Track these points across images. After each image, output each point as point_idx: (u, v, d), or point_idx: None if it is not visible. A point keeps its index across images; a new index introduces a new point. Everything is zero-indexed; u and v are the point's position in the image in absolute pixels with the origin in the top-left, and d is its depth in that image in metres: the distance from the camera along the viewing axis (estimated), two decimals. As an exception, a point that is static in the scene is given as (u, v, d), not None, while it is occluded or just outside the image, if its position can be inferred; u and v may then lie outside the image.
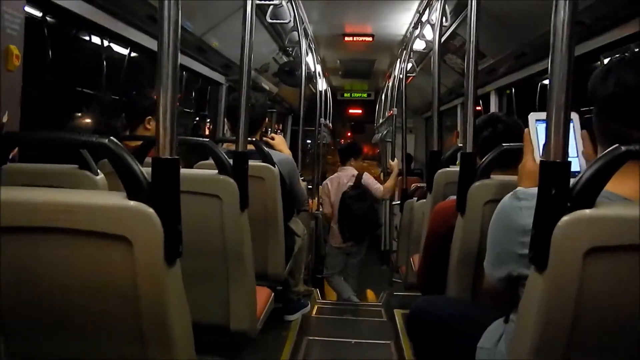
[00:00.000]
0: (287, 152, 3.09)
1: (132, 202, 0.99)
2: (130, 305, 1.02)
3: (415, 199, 3.63)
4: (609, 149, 0.93)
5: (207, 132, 4.90)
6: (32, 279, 1.05)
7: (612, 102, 1.07)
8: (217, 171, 1.78)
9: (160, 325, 1.04)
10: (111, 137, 1.01)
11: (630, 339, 0.99)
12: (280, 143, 3.09)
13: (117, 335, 1.07)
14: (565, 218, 0.92)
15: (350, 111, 10.84)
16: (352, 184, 5.21)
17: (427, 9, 3.67)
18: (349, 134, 11.61)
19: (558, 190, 0.93)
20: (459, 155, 1.92)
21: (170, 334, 1.05)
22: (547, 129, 0.94)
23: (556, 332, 0.97)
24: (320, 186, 5.49)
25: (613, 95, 1.06)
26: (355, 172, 5.29)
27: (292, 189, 2.94)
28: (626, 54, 1.09)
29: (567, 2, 0.93)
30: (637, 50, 1.08)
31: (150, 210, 0.99)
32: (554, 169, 0.94)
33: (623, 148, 0.91)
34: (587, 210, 0.92)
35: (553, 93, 0.94)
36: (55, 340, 1.10)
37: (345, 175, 5.33)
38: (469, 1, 1.76)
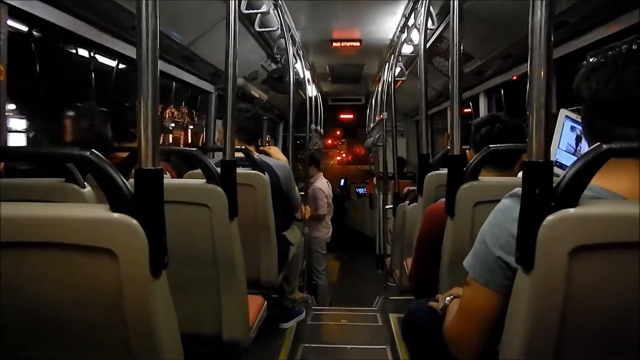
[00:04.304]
0: (283, 160, 3.17)
1: (115, 214, 0.98)
2: (117, 318, 1.01)
3: (407, 202, 3.63)
4: (591, 147, 0.93)
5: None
6: (17, 293, 1.03)
7: (596, 101, 1.07)
8: (205, 180, 1.77)
9: (148, 337, 1.03)
10: (93, 150, 1.00)
11: (619, 336, 0.98)
12: (276, 152, 3.25)
13: (104, 348, 1.06)
14: (549, 217, 0.92)
15: (342, 116, 10.83)
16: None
17: (413, 13, 3.68)
18: (338, 133, 11.56)
19: (542, 190, 0.93)
20: (449, 157, 1.92)
21: (158, 345, 1.04)
22: (529, 129, 0.95)
23: (545, 332, 0.97)
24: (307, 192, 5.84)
25: (597, 95, 1.06)
26: None
27: (289, 194, 2.99)
28: (609, 53, 1.09)
29: (544, 2, 0.93)
30: (617, 49, 1.07)
31: (134, 221, 0.98)
32: (536, 169, 0.94)
33: (605, 146, 0.91)
34: (571, 209, 0.92)
35: (533, 93, 0.94)
36: (41, 354, 1.08)
37: (325, 180, 6.47)
38: (451, 4, 1.76)
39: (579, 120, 1.17)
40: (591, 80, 1.08)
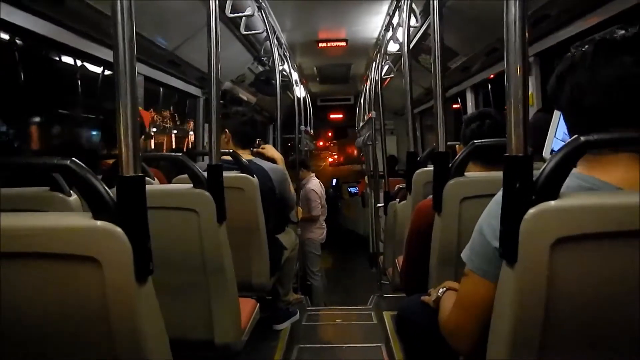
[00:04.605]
0: (278, 157, 3.19)
1: (98, 222, 0.98)
2: (102, 326, 1.01)
3: (398, 200, 3.64)
4: (568, 140, 0.94)
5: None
6: (2, 304, 1.03)
7: (574, 107, 1.08)
8: (192, 185, 1.77)
9: (135, 344, 1.03)
10: (73, 159, 1.00)
11: (604, 327, 0.99)
12: (270, 149, 3.28)
13: (90, 356, 1.06)
14: (530, 211, 0.92)
15: (332, 116, 10.83)
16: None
17: (397, 11, 3.69)
18: (329, 135, 11.60)
19: (522, 184, 0.94)
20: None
21: (145, 351, 1.03)
22: (507, 124, 0.95)
23: (530, 325, 0.97)
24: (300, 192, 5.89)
25: (573, 101, 1.07)
26: None
27: (283, 197, 3.00)
28: (574, 55, 1.10)
29: (517, 0, 0.94)
30: (583, 50, 1.08)
31: (118, 229, 0.98)
32: (516, 163, 0.95)
33: (582, 139, 0.92)
34: (552, 202, 0.92)
35: (510, 89, 0.95)
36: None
37: (318, 180, 6.42)
38: (431, 1, 1.77)
39: None
40: (565, 86, 1.08)
